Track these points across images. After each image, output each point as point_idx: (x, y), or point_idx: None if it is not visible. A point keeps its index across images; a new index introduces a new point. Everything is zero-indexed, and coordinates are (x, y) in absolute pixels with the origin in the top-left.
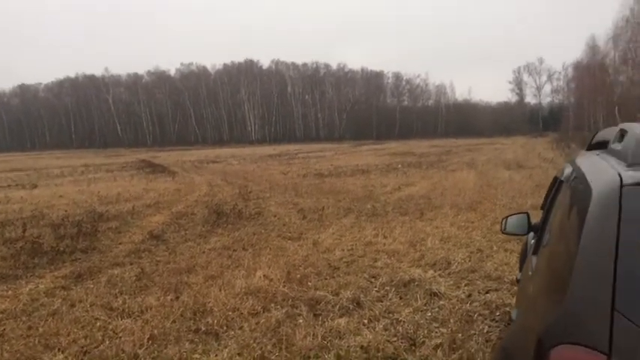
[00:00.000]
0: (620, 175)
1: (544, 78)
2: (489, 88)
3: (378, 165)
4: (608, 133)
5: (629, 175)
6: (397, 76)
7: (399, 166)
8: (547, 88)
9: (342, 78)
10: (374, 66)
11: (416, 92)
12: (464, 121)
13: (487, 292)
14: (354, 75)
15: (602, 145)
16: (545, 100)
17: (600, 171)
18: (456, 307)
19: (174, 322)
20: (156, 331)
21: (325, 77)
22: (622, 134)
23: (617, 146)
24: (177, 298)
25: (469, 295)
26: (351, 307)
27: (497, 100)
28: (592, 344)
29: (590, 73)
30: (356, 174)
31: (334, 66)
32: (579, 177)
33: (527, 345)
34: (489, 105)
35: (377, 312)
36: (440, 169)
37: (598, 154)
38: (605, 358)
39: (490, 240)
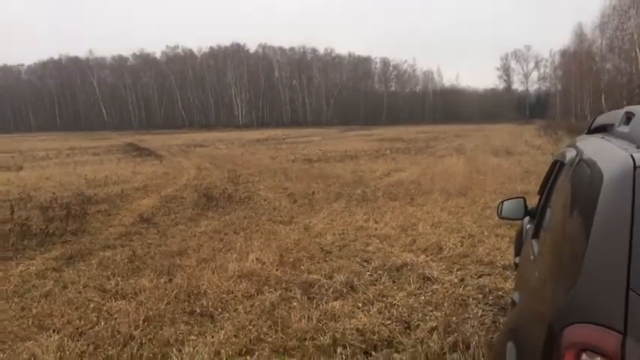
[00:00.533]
0: (632, 157)
1: (531, 65)
2: (477, 75)
3: (367, 150)
4: (612, 116)
5: None
6: (385, 62)
7: (388, 151)
8: (534, 75)
9: (330, 63)
10: (361, 51)
11: (403, 78)
12: (451, 107)
13: (480, 277)
14: (341, 60)
15: (604, 129)
16: (533, 87)
17: (609, 153)
18: (450, 291)
19: (168, 303)
20: (151, 313)
21: (313, 62)
22: (628, 117)
23: (624, 129)
24: (171, 280)
25: (462, 280)
26: (344, 290)
27: (484, 86)
28: (606, 323)
29: (577, 61)
30: (345, 159)
31: (321, 50)
32: (585, 160)
33: (536, 327)
34: (477, 91)
35: (371, 295)
36: (428, 154)
37: (603, 138)
38: (620, 336)
39: (481, 225)
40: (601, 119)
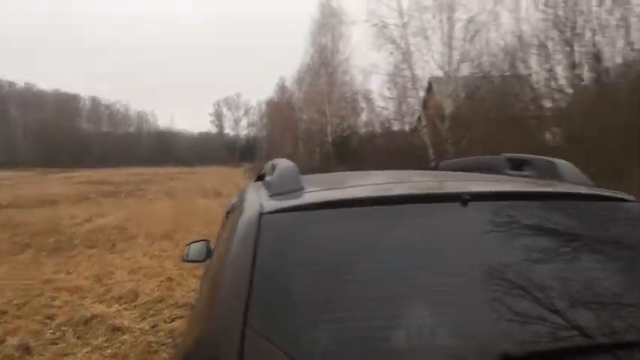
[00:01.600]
0: (261, 205)
1: (242, 112)
2: (193, 119)
3: (69, 194)
4: (267, 166)
5: (268, 205)
6: (95, 100)
7: (93, 195)
8: (244, 121)
9: (31, 98)
10: (70, 88)
11: (116, 118)
12: (167, 149)
13: (173, 321)
14: (44, 96)
15: (264, 177)
16: (243, 132)
17: (252, 200)
18: (139, 340)
19: None
20: None
21: (9, 96)
22: (273, 168)
23: (269, 178)
24: None
25: (154, 326)
26: (16, 355)
27: (199, 130)
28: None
29: (279, 110)
30: (42, 205)
31: (21, 84)
32: (239, 206)
33: None
34: (192, 135)
35: (48, 356)
36: (138, 198)
37: (258, 185)
38: None
39: (181, 268)
40: (265, 168)
